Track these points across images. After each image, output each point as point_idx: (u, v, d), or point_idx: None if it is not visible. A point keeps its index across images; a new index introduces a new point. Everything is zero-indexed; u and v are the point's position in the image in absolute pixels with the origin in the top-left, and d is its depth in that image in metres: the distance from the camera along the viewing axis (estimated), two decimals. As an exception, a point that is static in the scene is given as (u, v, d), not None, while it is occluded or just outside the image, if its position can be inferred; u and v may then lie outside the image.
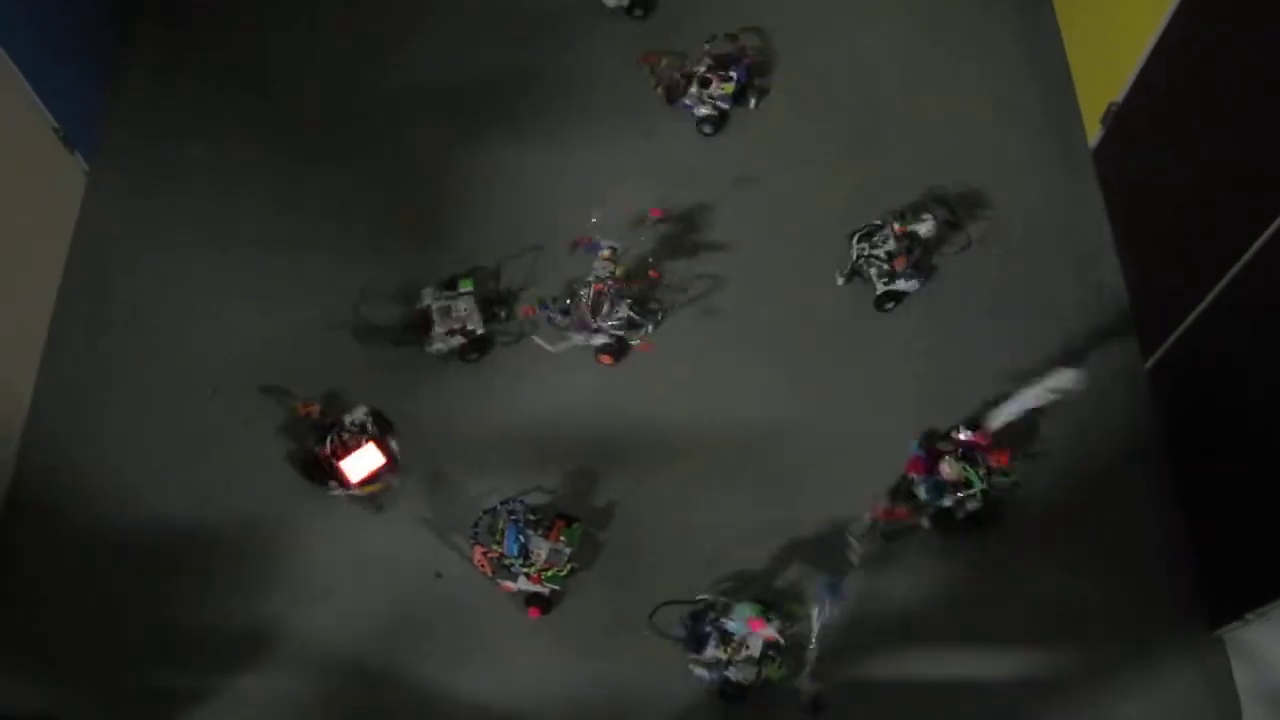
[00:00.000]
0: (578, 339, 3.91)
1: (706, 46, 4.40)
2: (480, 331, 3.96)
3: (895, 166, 4.35)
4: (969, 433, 3.58)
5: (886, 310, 4.01)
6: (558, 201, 4.33)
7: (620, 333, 3.91)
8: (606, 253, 3.85)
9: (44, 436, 3.98)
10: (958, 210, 4.13)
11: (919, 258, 3.96)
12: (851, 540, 3.55)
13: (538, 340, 3.96)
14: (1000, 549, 3.64)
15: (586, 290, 3.86)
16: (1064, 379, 3.51)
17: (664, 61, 4.43)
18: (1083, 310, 4.06)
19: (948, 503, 3.48)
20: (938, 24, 4.69)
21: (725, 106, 4.37)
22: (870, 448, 3.80)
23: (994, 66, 4.58)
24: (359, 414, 3.75)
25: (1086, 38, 4.41)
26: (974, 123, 4.47)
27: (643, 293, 4.02)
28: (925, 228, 3.93)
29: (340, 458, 3.70)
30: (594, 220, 3.93)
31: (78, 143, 4.28)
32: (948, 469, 3.48)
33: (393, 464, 3.76)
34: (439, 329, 3.94)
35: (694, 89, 4.34)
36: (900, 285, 3.92)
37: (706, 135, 4.41)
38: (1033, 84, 4.53)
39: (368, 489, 3.72)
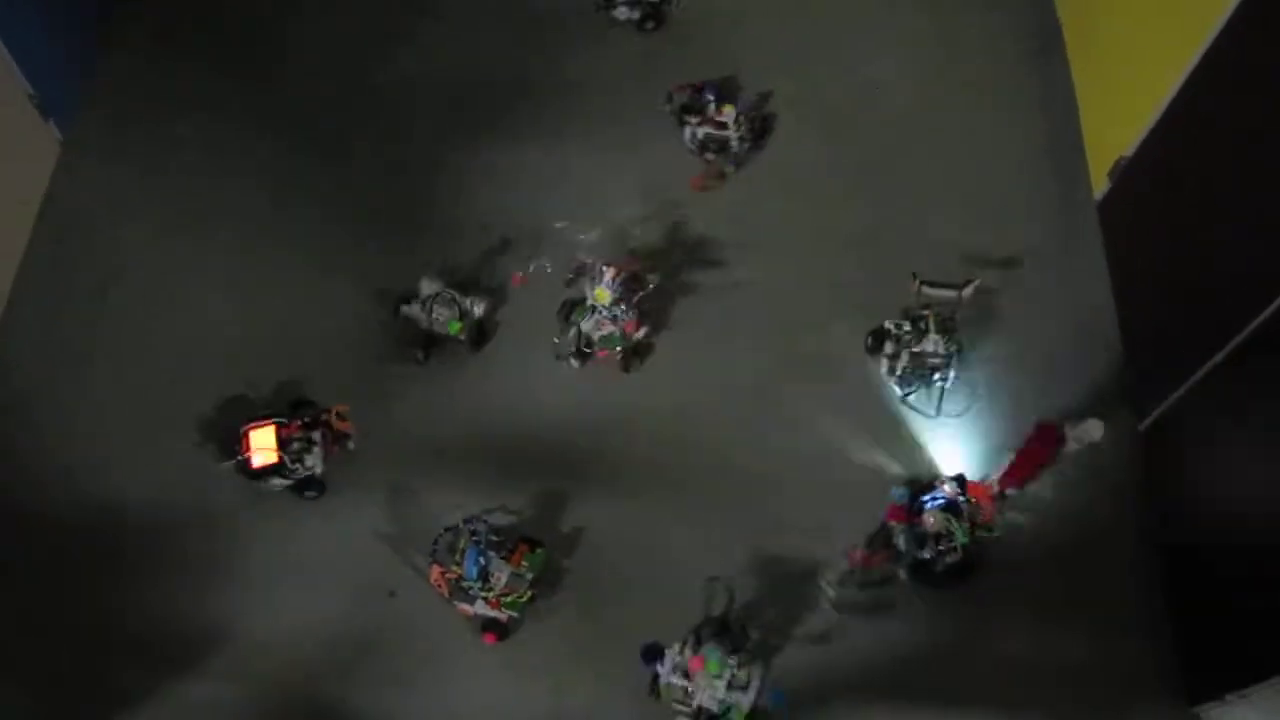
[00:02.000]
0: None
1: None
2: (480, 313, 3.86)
3: (895, 205, 4.22)
4: (954, 485, 3.46)
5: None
6: (550, 204, 4.20)
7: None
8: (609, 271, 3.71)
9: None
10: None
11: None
12: (825, 587, 3.43)
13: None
14: (976, 606, 3.51)
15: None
16: (1090, 430, 3.44)
17: (706, 174, 4.26)
18: (1078, 365, 3.93)
19: (927, 554, 3.36)
20: (948, 63, 4.59)
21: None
22: (851, 490, 3.67)
23: (1002, 110, 4.47)
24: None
25: (1099, 90, 4.32)
26: (978, 165, 4.35)
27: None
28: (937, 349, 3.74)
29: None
30: (559, 226, 3.83)
31: (53, 111, 4.12)
32: (930, 520, 3.35)
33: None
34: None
35: (727, 138, 4.22)
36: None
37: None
38: (1040, 130, 4.42)
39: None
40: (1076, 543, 3.62)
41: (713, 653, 3.13)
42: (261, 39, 4.57)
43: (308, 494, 3.63)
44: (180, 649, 3.46)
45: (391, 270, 4.01)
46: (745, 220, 4.18)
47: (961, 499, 3.42)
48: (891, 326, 3.74)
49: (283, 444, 3.55)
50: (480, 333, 3.90)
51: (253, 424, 3.57)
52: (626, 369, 3.87)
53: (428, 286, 3.84)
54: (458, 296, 3.82)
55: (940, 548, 3.34)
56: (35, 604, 3.52)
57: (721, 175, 4.25)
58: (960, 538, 3.33)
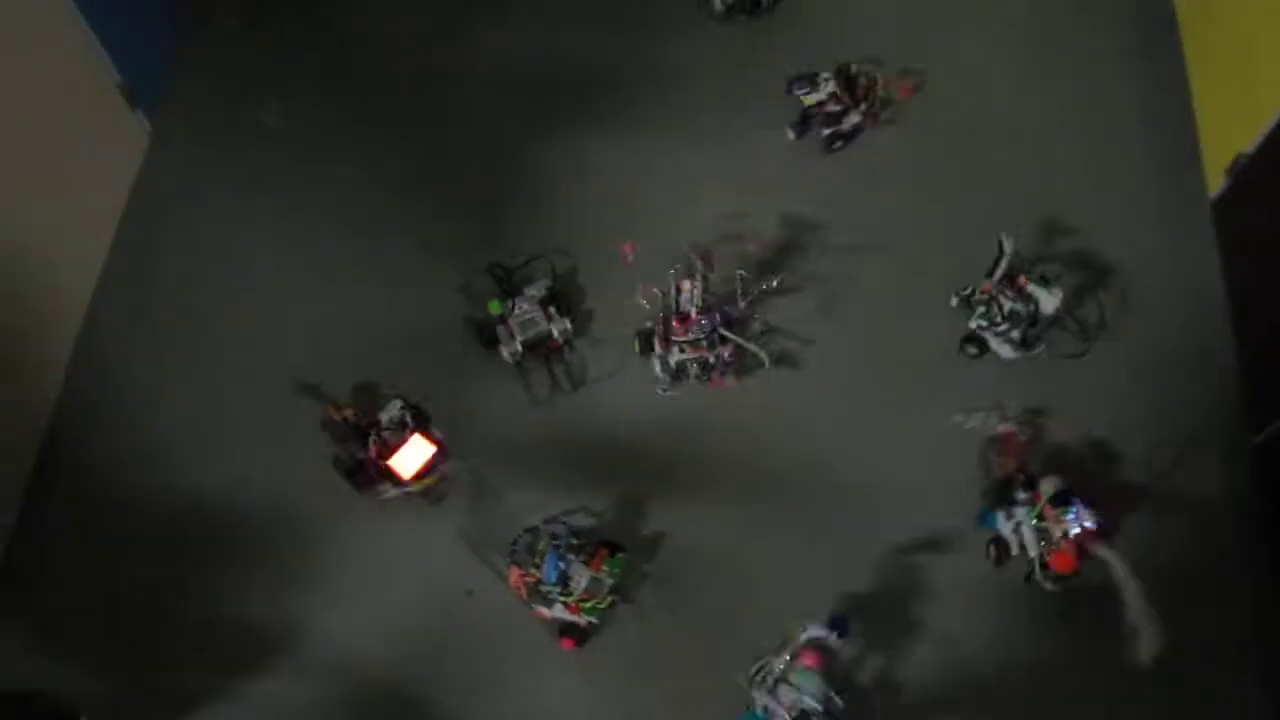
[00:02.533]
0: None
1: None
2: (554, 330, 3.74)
3: (992, 197, 4.04)
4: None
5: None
6: (633, 203, 4.09)
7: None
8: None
9: (80, 402, 3.84)
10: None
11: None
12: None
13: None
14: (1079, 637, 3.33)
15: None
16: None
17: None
18: (1187, 374, 3.73)
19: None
20: (1052, 50, 4.38)
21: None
22: (949, 505, 3.52)
23: (1108, 101, 4.26)
24: (393, 410, 3.53)
25: (1217, 82, 4.08)
26: (1081, 158, 4.15)
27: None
28: (1051, 302, 3.58)
29: (386, 457, 3.49)
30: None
31: (141, 100, 4.12)
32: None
33: (443, 451, 3.54)
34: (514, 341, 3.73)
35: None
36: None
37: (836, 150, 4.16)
38: (1150, 124, 4.20)
39: (422, 483, 3.51)
40: (1179, 568, 3.42)
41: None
42: (347, 22, 4.55)
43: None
44: (253, 646, 3.44)
45: (478, 264, 3.93)
46: (838, 213, 4.03)
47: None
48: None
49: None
50: (563, 299, 3.79)
51: (378, 454, 3.48)
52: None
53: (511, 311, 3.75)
54: (538, 316, 3.73)
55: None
56: (111, 593, 3.53)
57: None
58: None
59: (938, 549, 3.47)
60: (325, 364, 3.83)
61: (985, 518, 3.45)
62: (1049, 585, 3.30)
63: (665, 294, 3.61)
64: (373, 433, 3.51)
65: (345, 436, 3.60)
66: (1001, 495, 3.45)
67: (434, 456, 3.51)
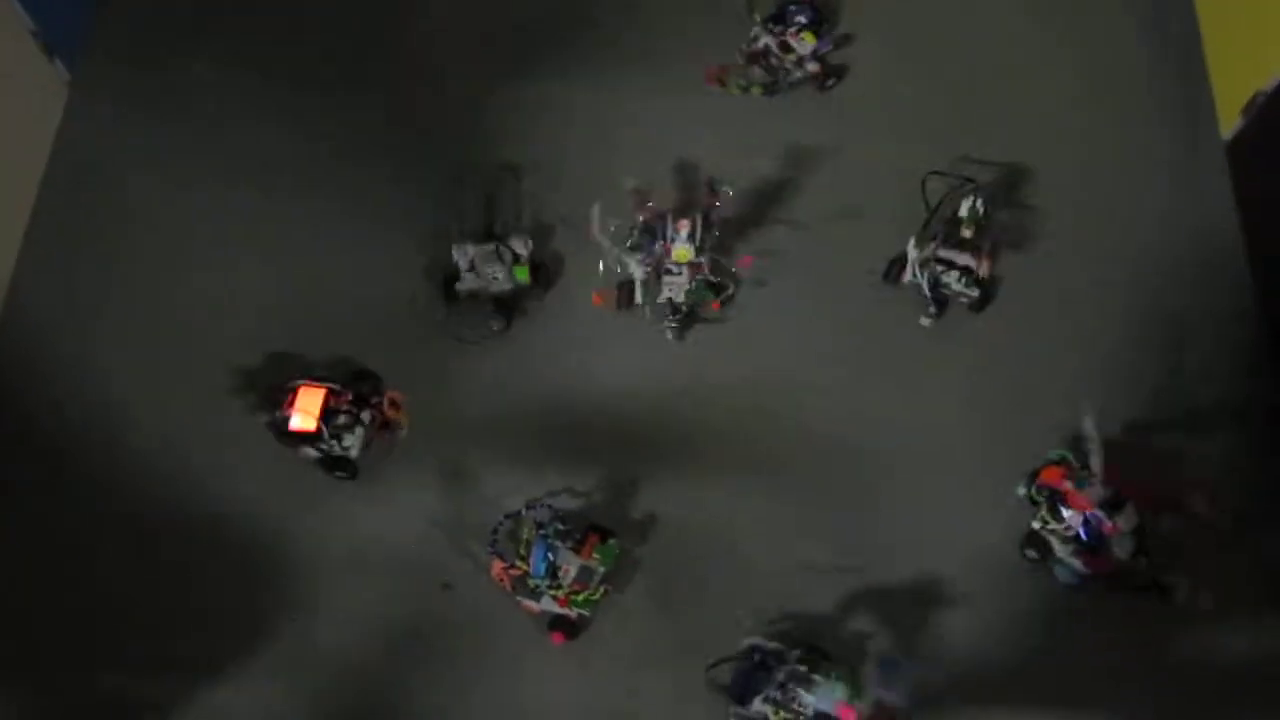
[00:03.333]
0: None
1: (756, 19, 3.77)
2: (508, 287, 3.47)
3: (995, 147, 3.76)
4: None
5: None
6: (612, 153, 3.76)
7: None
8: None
9: (3, 386, 3.47)
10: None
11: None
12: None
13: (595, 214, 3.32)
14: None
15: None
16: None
17: (731, 72, 3.81)
18: (1206, 334, 3.51)
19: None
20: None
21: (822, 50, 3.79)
22: (967, 474, 3.28)
23: (1110, 43, 3.98)
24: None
25: (1229, 17, 3.82)
26: (1082, 98, 3.88)
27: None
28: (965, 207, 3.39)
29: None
30: (629, 186, 3.35)
31: (58, 49, 3.71)
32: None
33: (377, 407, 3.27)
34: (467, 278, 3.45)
35: (783, 62, 3.76)
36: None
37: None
38: (1157, 64, 3.94)
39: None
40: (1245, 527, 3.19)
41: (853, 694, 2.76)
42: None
43: (337, 474, 3.29)
44: (218, 651, 3.15)
45: (440, 225, 3.61)
46: (830, 165, 3.75)
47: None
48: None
49: (327, 414, 3.19)
50: (545, 269, 3.53)
51: (307, 382, 3.22)
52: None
53: (463, 254, 3.46)
54: (500, 247, 3.44)
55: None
56: (45, 597, 3.21)
57: (740, 89, 3.80)
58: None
59: (958, 520, 3.22)
60: (277, 336, 3.49)
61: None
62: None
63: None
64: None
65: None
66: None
67: (328, 398, 3.19)
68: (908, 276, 3.42)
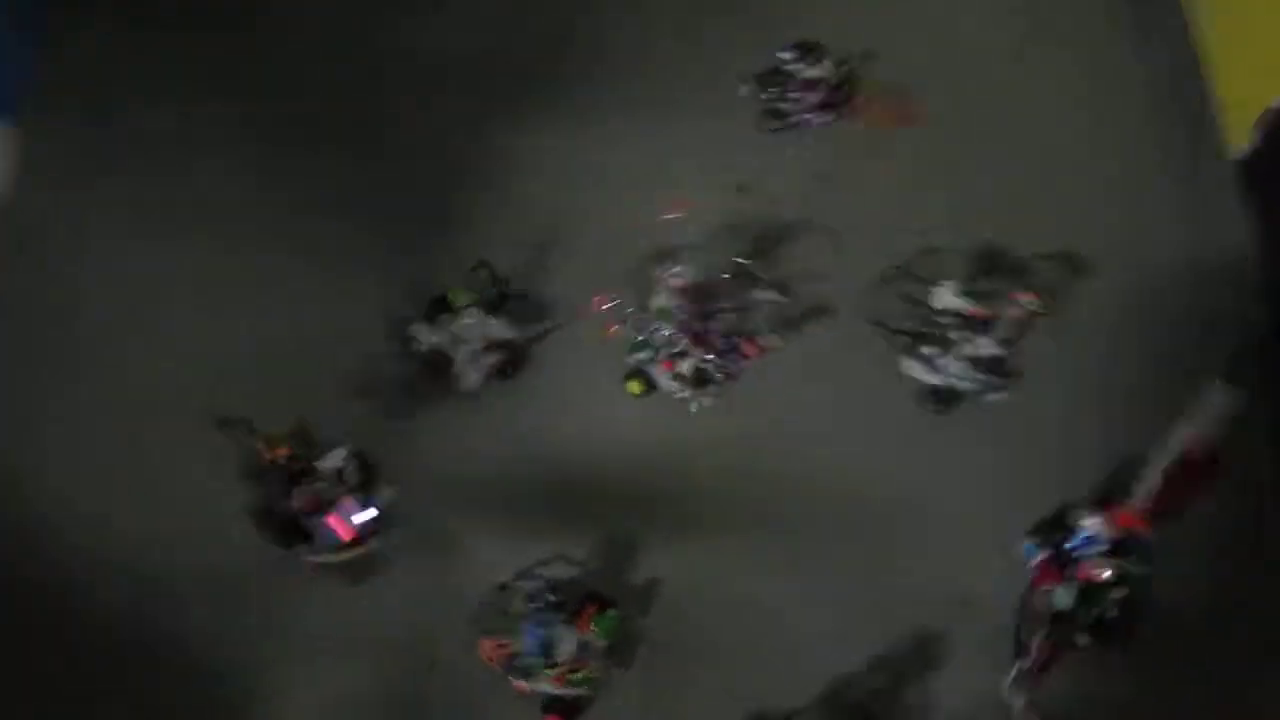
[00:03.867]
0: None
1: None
2: (514, 337, 3.22)
3: (995, 180, 3.56)
4: (1099, 518, 2.85)
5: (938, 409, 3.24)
6: (599, 196, 3.55)
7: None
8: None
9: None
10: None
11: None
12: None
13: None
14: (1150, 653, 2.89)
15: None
16: (1215, 400, 2.88)
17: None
18: (1216, 351, 3.29)
19: (1109, 612, 2.76)
20: (1047, 15, 3.91)
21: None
22: (973, 524, 3.07)
23: (1105, 66, 3.79)
24: (336, 458, 2.97)
25: (1237, 36, 3.66)
26: (1080, 118, 3.68)
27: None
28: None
29: (316, 511, 2.92)
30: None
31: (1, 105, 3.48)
32: (1101, 570, 2.75)
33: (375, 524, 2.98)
34: (464, 354, 3.19)
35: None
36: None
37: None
38: (1157, 86, 3.76)
39: (343, 555, 2.95)
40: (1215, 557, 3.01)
41: None
42: (250, 8, 3.90)
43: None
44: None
45: (410, 278, 3.38)
46: (823, 205, 3.53)
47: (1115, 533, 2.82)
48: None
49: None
50: (514, 360, 3.28)
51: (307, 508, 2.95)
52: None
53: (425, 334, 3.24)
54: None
55: (1114, 596, 2.74)
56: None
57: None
58: (1137, 569, 2.76)
59: (965, 575, 3.00)
60: (240, 399, 3.22)
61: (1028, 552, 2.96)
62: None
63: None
64: (304, 481, 2.94)
65: (272, 481, 3.01)
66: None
67: (366, 524, 2.94)
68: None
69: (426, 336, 3.22)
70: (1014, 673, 2.78)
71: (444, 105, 3.72)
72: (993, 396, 3.15)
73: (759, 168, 3.57)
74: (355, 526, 2.89)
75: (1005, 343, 3.12)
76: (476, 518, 3.11)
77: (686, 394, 3.19)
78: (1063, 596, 2.78)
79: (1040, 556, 2.87)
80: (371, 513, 2.92)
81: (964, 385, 3.13)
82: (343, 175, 3.60)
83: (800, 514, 3.12)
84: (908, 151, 3.62)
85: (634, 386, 3.21)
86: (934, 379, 3.14)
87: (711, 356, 3.16)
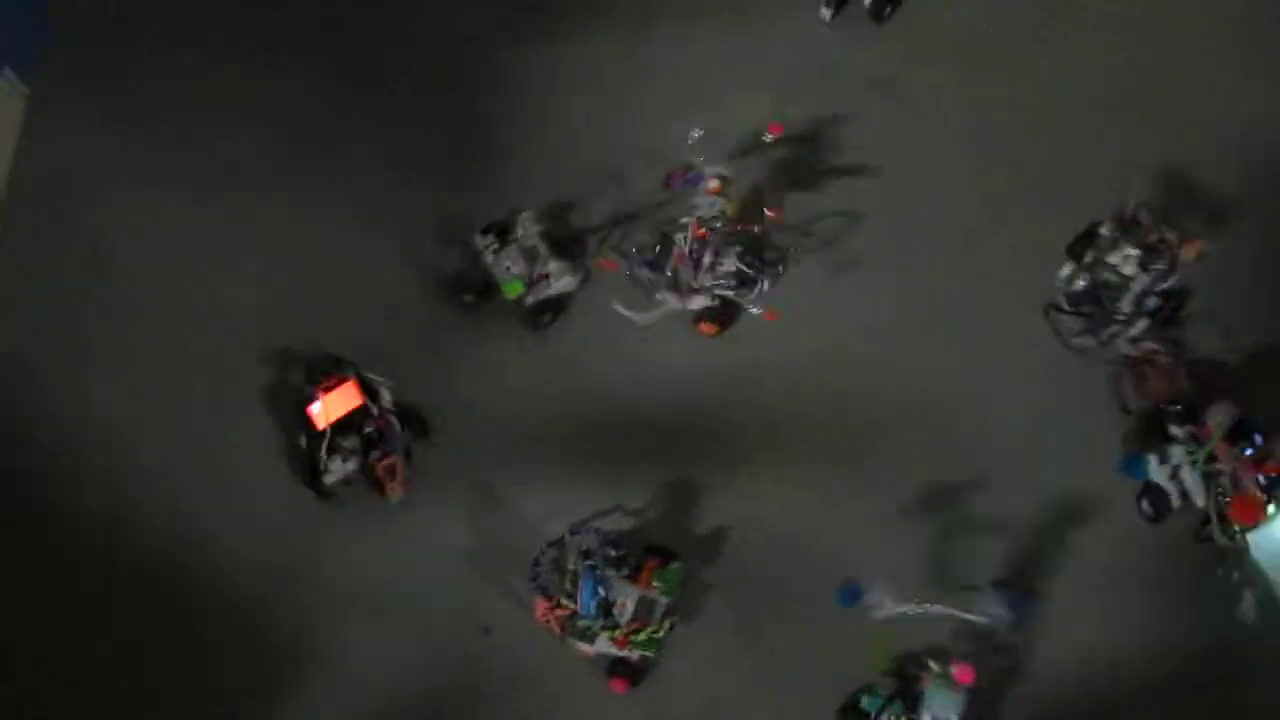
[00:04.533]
0: (671, 302, 2.89)
1: None
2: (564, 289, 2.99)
3: (1072, 122, 3.13)
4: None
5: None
6: (641, 114, 3.24)
7: (728, 292, 2.88)
8: (714, 184, 2.79)
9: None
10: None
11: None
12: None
13: (619, 308, 2.93)
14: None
15: (684, 235, 2.83)
16: None
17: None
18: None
19: None
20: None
21: None
22: (1060, 448, 2.77)
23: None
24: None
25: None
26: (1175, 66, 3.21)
27: (756, 238, 2.95)
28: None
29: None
30: (693, 139, 2.82)
31: (9, 59, 3.29)
32: None
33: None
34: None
35: None
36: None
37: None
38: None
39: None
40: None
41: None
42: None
43: (308, 487, 2.86)
44: (237, 700, 2.76)
45: (447, 216, 3.15)
46: (891, 106, 3.19)
47: None
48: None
49: (344, 425, 2.81)
50: (551, 313, 3.03)
51: (355, 379, 2.84)
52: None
53: (526, 227, 2.99)
54: (544, 250, 2.97)
55: None
56: (63, 645, 2.83)
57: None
58: None
59: (1066, 506, 2.72)
60: (270, 352, 3.05)
61: (1130, 465, 2.70)
62: (1227, 541, 2.52)
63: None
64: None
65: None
66: (1149, 433, 2.68)
67: (357, 412, 2.80)
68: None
69: (481, 244, 3.00)
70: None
71: (475, 28, 3.42)
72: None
73: (817, 73, 3.23)
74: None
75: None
76: (526, 471, 2.89)
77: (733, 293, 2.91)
78: None
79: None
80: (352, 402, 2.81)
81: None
82: (372, 111, 3.35)
83: (867, 435, 2.85)
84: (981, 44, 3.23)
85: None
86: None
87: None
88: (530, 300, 2.96)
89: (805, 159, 3.12)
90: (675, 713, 2.62)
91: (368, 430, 2.82)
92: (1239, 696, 2.55)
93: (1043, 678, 2.55)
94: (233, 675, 2.79)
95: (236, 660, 2.80)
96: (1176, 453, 2.61)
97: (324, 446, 2.78)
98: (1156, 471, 2.64)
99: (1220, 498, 2.54)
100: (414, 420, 2.89)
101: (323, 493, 2.83)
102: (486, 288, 3.01)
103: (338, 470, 2.80)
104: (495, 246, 2.98)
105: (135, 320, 3.17)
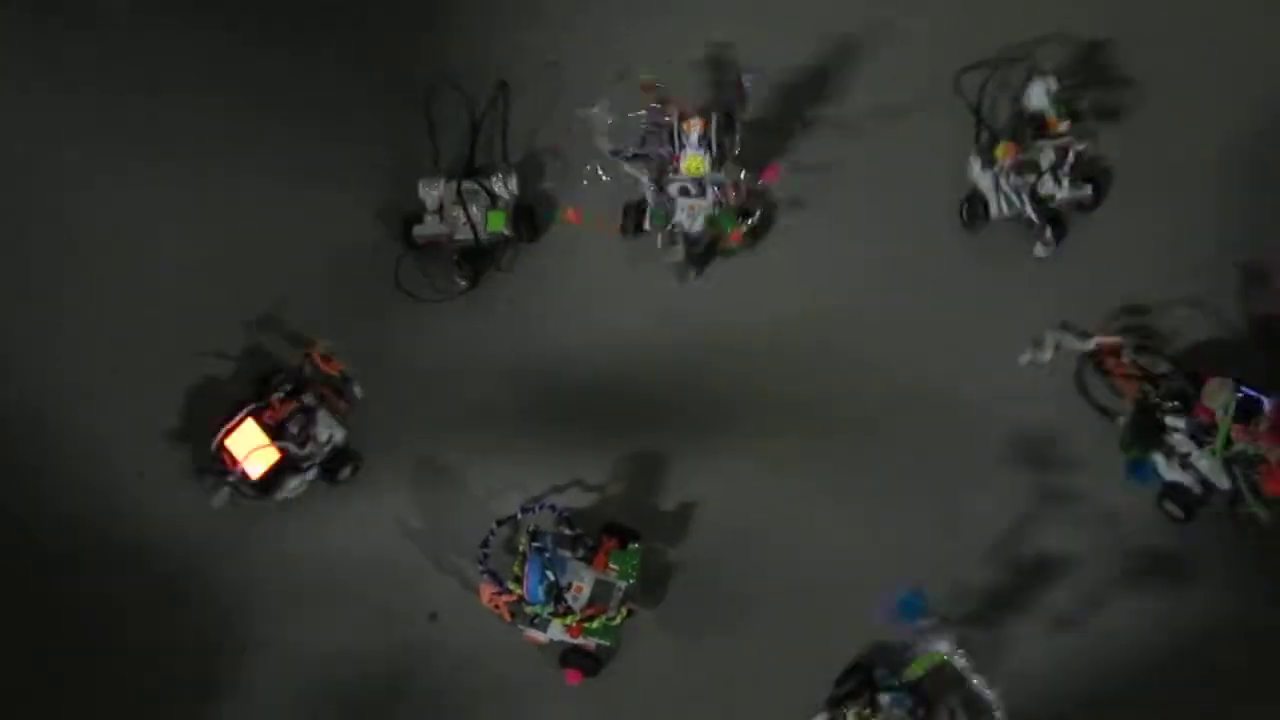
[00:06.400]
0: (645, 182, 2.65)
1: None
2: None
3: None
4: None
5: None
6: (618, 44, 2.96)
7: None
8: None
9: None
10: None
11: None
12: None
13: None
14: None
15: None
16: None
17: None
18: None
19: None
20: None
21: None
22: (1066, 424, 2.53)
23: None
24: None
25: None
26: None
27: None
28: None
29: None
30: (592, 111, 2.57)
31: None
32: None
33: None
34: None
35: None
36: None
37: None
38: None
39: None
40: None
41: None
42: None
43: (343, 475, 2.62)
44: (170, 690, 2.55)
45: (396, 171, 2.91)
46: (881, 52, 2.95)
47: None
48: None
49: (275, 432, 2.52)
50: (531, 216, 2.79)
51: (225, 429, 2.52)
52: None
53: (431, 191, 2.78)
54: (481, 183, 2.75)
55: None
56: None
57: None
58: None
59: (1067, 494, 2.49)
60: (209, 328, 2.81)
61: (1138, 471, 2.45)
62: (1266, 510, 2.30)
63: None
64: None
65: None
66: (1145, 431, 2.43)
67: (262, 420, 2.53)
68: (996, 210, 2.65)
69: (431, 228, 2.77)
70: None
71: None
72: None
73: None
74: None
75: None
76: (475, 442, 2.67)
77: (683, 258, 2.68)
78: None
79: None
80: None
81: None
82: (310, 56, 3.09)
83: (848, 412, 2.62)
84: None
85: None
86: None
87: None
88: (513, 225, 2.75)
89: (787, 101, 2.88)
90: (635, 704, 2.41)
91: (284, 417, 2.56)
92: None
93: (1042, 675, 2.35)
94: (164, 665, 2.57)
95: (168, 650, 2.57)
96: (1180, 441, 2.38)
97: (295, 449, 2.54)
98: (1168, 469, 2.40)
99: (1249, 475, 2.30)
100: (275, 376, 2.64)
101: (355, 458, 2.64)
102: (473, 255, 2.77)
103: (329, 426, 2.58)
104: (440, 218, 2.75)
105: (67, 297, 2.89)
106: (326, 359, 2.59)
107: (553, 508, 2.46)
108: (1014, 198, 2.61)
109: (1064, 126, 2.63)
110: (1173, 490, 2.37)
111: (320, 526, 2.63)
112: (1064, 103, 2.64)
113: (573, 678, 2.38)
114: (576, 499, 2.55)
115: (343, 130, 2.99)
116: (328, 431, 2.58)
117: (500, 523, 2.45)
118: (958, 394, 2.58)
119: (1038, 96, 2.66)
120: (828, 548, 2.48)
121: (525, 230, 2.78)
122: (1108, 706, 2.31)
